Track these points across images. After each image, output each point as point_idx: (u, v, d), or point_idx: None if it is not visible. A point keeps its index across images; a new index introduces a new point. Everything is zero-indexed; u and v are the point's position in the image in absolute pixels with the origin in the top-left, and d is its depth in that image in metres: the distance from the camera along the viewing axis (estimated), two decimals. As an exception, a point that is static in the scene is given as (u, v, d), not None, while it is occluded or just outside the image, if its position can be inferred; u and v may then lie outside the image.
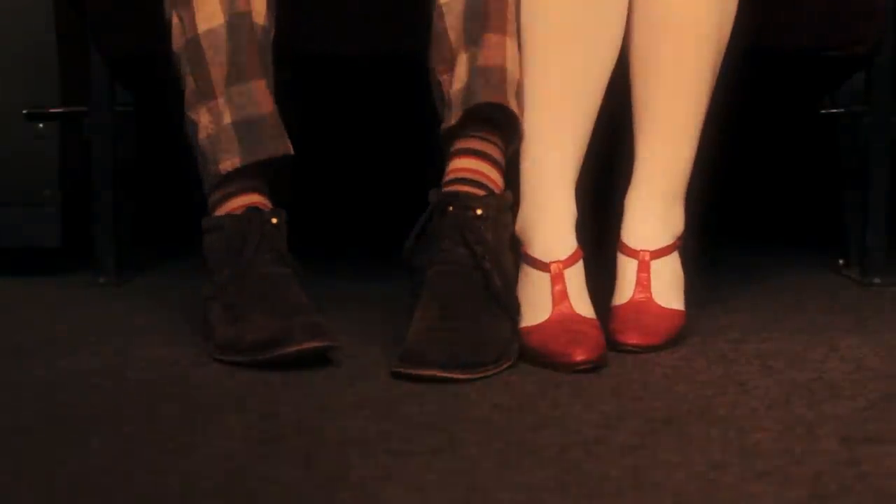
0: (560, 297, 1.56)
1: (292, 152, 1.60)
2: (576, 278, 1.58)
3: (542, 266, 1.58)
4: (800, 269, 2.17)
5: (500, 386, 1.43)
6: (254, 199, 1.60)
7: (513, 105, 1.56)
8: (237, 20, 1.58)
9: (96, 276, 2.05)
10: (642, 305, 1.62)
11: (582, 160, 1.62)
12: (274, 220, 1.57)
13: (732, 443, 1.21)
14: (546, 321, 1.55)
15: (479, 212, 1.53)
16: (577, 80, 1.60)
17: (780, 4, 1.91)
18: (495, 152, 1.59)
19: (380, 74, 2.15)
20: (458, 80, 1.57)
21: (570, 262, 1.58)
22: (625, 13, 1.61)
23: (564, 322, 1.54)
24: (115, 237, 2.06)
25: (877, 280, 2.03)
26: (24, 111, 2.08)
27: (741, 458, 1.17)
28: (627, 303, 1.62)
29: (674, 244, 1.66)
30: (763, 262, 2.26)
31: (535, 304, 1.57)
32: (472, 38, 1.57)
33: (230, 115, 1.58)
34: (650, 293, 1.62)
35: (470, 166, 1.58)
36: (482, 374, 1.45)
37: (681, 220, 1.67)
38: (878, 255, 2.04)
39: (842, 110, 2.10)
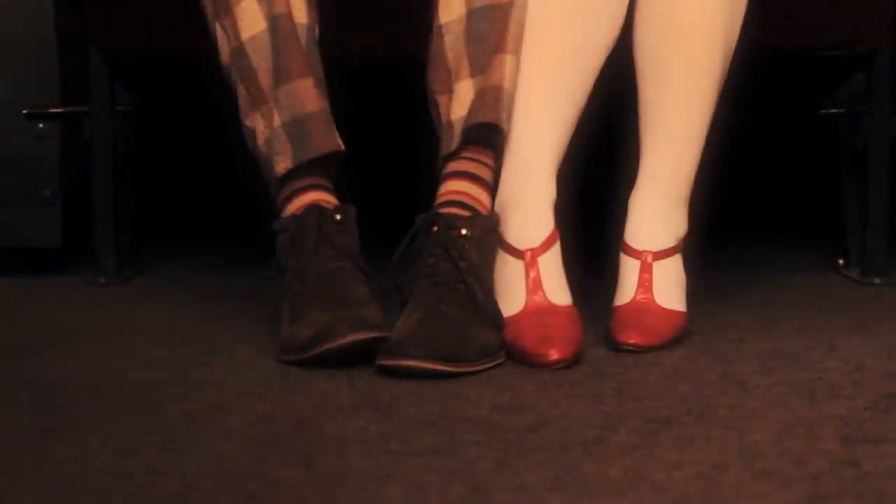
0: (534, 286, 1.57)
1: (342, 148, 1.60)
2: (551, 264, 1.58)
3: (516, 253, 1.58)
4: (800, 268, 2.17)
5: (500, 386, 1.43)
6: (316, 196, 1.60)
7: (503, 123, 1.58)
8: (278, 23, 1.58)
9: (96, 276, 2.05)
10: (644, 306, 1.62)
11: (566, 145, 1.61)
12: (338, 217, 1.57)
13: (732, 443, 1.21)
14: (520, 313, 1.56)
15: (463, 231, 1.55)
16: (566, 67, 1.60)
17: (781, 5, 1.91)
18: (486, 173, 1.61)
19: (381, 77, 2.15)
20: (460, 106, 1.59)
21: (544, 247, 1.58)
22: (625, 4, 1.61)
23: (538, 314, 1.55)
24: (115, 237, 2.06)
25: (877, 280, 2.03)
26: (24, 111, 2.08)
27: (741, 458, 1.17)
28: (629, 303, 1.62)
29: (677, 246, 1.66)
30: (763, 261, 2.27)
31: (510, 294, 1.57)
32: (479, 66, 1.58)
33: (279, 117, 1.58)
34: (652, 294, 1.62)
35: (459, 189, 1.60)
36: (465, 369, 1.46)
37: (684, 223, 1.67)
38: (878, 255, 2.04)
39: (842, 110, 2.10)
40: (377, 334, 1.47)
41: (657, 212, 1.65)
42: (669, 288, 1.64)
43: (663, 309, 1.62)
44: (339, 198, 1.61)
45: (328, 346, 1.46)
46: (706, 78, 1.62)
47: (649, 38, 1.62)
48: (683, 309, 1.64)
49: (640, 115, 1.65)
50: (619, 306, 1.63)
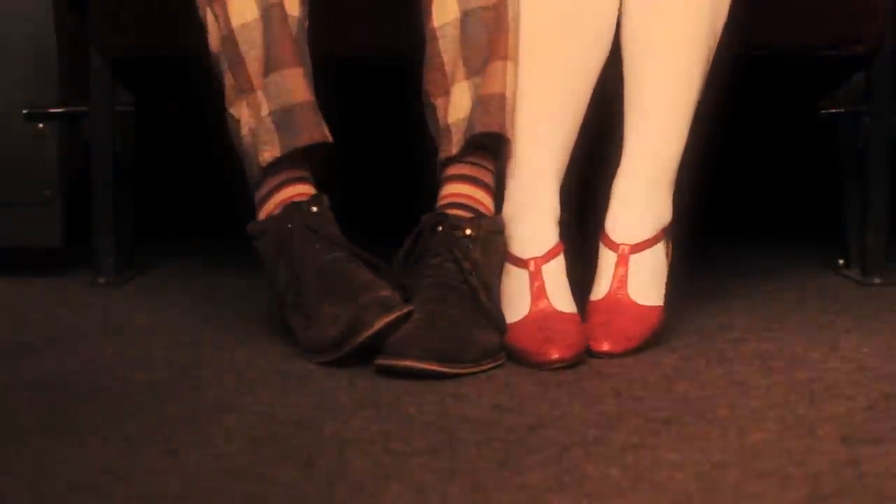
0: (539, 294, 1.57)
1: (330, 139, 1.59)
2: (555, 274, 1.58)
3: (521, 263, 1.58)
4: (800, 269, 2.17)
5: (500, 386, 1.43)
6: (298, 189, 1.60)
7: (508, 131, 1.58)
8: (270, 12, 1.58)
9: (96, 276, 2.05)
10: (617, 304, 1.60)
11: (568, 158, 1.62)
12: (315, 209, 1.57)
13: (732, 443, 1.21)
14: (523, 319, 1.55)
15: (468, 232, 1.55)
16: (566, 78, 1.60)
17: (781, 4, 1.91)
18: (487, 177, 1.61)
19: (376, 76, 2.15)
20: (458, 108, 1.59)
21: (548, 257, 1.58)
22: (615, 13, 1.61)
23: (541, 320, 1.54)
24: (115, 237, 2.06)
25: (877, 280, 2.03)
26: (24, 111, 2.08)
27: (741, 458, 1.17)
28: (603, 299, 1.61)
29: (657, 236, 1.64)
30: (763, 261, 2.26)
31: (514, 301, 1.57)
32: (475, 68, 1.58)
33: (267, 106, 1.58)
34: (626, 290, 1.61)
35: (462, 191, 1.60)
36: (462, 371, 1.46)
37: (668, 211, 1.65)
38: (878, 255, 2.04)
39: (842, 110, 2.10)
40: (403, 311, 1.48)
41: (638, 199, 1.63)
42: (645, 282, 1.62)
43: (637, 305, 1.60)
44: (318, 189, 1.62)
45: (363, 336, 1.46)
46: (691, 60, 1.62)
47: (635, 19, 1.62)
48: (660, 303, 1.62)
49: (624, 98, 1.64)
50: (594, 302, 1.61)
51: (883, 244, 2.04)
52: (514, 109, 1.59)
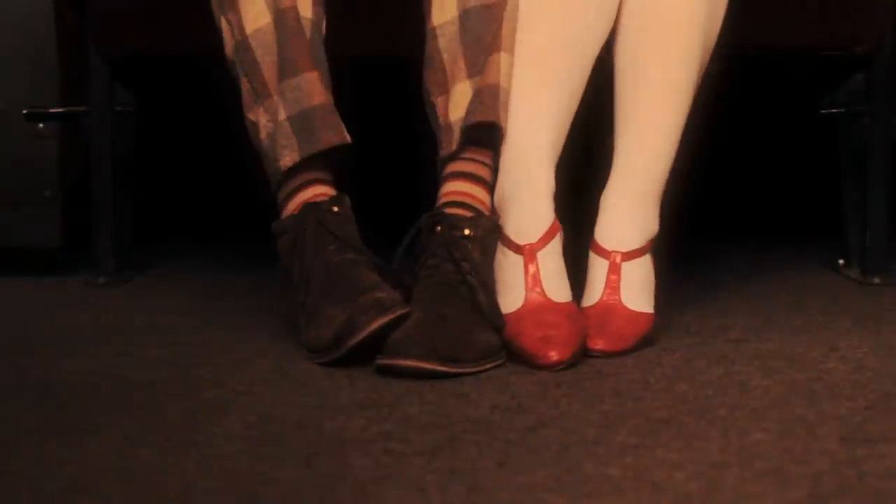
0: (533, 282, 1.56)
1: (349, 141, 1.60)
2: (550, 259, 1.58)
3: (516, 248, 1.58)
4: (800, 269, 2.17)
5: (500, 386, 1.43)
6: (318, 190, 1.61)
7: (502, 120, 1.58)
8: (283, 16, 1.59)
9: (96, 276, 2.05)
10: (611, 308, 1.60)
11: (564, 138, 1.61)
12: (335, 209, 1.58)
13: (732, 443, 1.21)
14: (519, 310, 1.55)
15: (466, 232, 1.56)
16: (564, 52, 1.60)
17: (781, 4, 1.91)
18: (485, 173, 1.62)
19: (377, 75, 2.15)
20: (459, 107, 1.59)
21: (543, 242, 1.58)
22: None
23: (537, 312, 1.54)
24: (115, 237, 2.06)
25: (877, 280, 2.03)
26: (24, 111, 2.08)
27: (741, 458, 1.17)
28: (596, 304, 1.61)
29: (646, 246, 1.65)
30: (763, 262, 2.26)
31: (510, 290, 1.57)
32: (477, 68, 1.59)
33: (285, 111, 1.58)
34: (619, 296, 1.61)
35: (460, 189, 1.61)
36: (462, 371, 1.46)
37: (655, 222, 1.66)
38: (878, 255, 2.04)
39: (842, 110, 2.10)
40: (399, 313, 1.48)
41: (629, 210, 1.63)
42: (637, 289, 1.62)
43: (630, 311, 1.61)
44: (338, 190, 1.62)
45: (357, 338, 1.47)
46: (682, 75, 1.62)
47: (628, 33, 1.62)
48: (650, 310, 1.63)
49: (615, 111, 1.64)
50: (587, 307, 1.62)
51: (883, 244, 2.05)
52: (506, 97, 1.59)
